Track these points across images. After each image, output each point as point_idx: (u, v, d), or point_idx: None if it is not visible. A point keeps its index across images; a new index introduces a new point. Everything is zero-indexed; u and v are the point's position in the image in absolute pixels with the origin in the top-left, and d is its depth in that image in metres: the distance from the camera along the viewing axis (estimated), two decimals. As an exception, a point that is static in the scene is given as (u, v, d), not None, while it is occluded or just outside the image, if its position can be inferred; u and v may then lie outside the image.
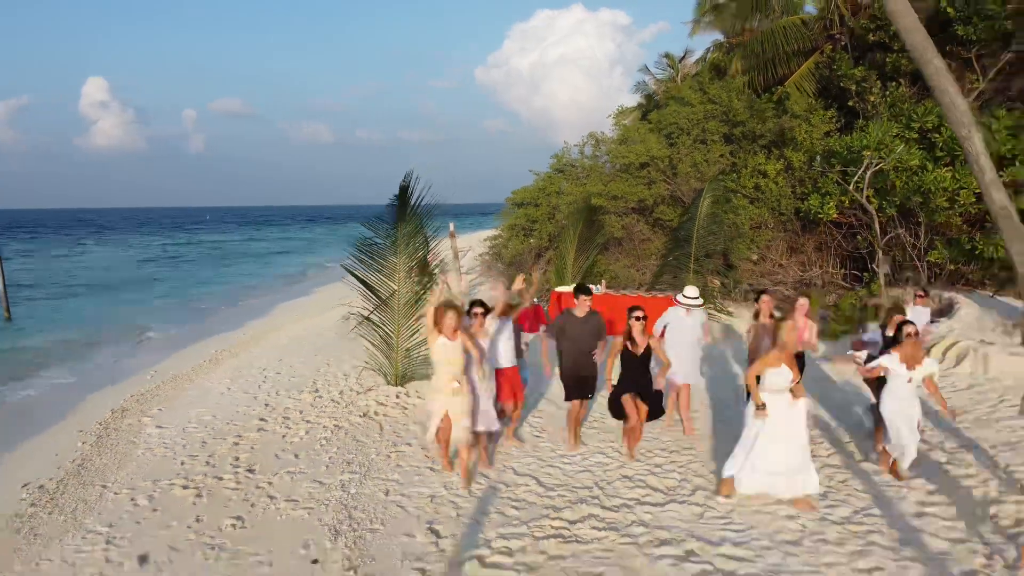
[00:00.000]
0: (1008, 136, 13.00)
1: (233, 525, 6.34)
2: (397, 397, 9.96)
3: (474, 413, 6.88)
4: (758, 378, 6.10)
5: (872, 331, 7.98)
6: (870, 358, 7.11)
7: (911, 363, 6.35)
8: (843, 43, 18.24)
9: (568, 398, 7.74)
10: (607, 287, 13.27)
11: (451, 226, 18.51)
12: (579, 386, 7.65)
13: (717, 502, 6.32)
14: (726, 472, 6.32)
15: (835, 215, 13.73)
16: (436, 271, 10.82)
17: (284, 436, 8.73)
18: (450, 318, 6.62)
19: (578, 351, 7.53)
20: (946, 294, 12.36)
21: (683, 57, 29.51)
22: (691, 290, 8.37)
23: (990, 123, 13.54)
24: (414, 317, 10.54)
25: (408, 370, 10.49)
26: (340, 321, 14.98)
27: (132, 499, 7.08)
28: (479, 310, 7.19)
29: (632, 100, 34.35)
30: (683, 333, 8.24)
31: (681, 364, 8.04)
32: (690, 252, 13.55)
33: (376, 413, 9.37)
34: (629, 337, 7.17)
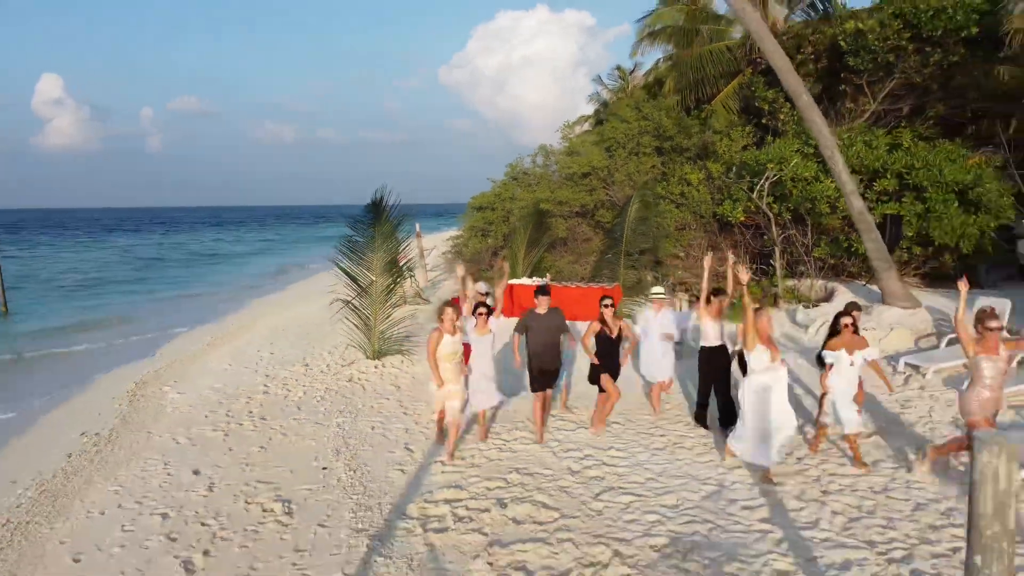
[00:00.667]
0: (884, 152, 15.63)
1: (258, 451, 8.52)
2: (375, 368, 12.18)
3: (471, 395, 8.03)
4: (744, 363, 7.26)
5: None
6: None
7: (850, 349, 7.34)
8: (762, 67, 20.88)
9: (533, 390, 8.49)
10: (552, 280, 15.68)
11: (416, 227, 20.71)
12: (543, 378, 8.46)
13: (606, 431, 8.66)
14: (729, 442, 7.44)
15: (743, 218, 16.26)
16: (406, 267, 13.09)
17: (285, 397, 10.89)
18: (450, 316, 7.71)
19: (543, 344, 8.37)
20: (829, 283, 14.97)
21: (633, 70, 32.18)
22: (658, 289, 9.58)
23: (871, 140, 16.23)
24: (388, 303, 12.81)
25: (383, 347, 12.70)
26: (318, 311, 17.20)
27: (174, 439, 9.21)
28: (483, 311, 8.19)
29: (590, 108, 37.12)
30: (654, 329, 9.25)
31: (656, 360, 9.13)
32: (622, 249, 15.99)
33: (359, 379, 11.58)
34: (603, 321, 8.26)
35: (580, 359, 9.94)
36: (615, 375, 8.38)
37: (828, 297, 14.72)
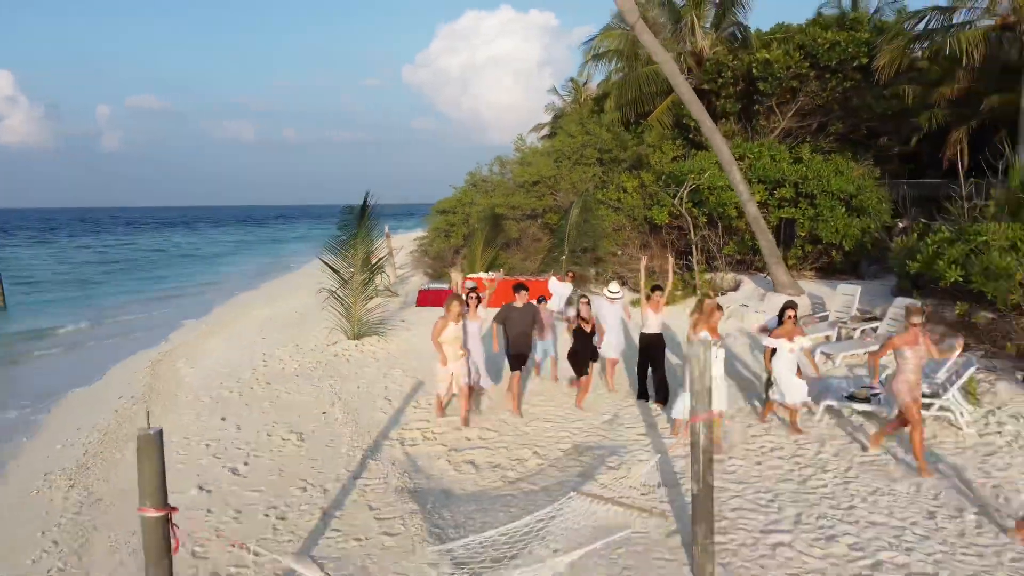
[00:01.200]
0: (786, 165, 18.49)
1: (268, 405, 10.94)
2: (356, 346, 14.64)
3: (469, 372, 9.59)
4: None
5: (771, 318, 11.00)
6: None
7: (790, 337, 8.71)
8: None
9: (512, 369, 10.01)
10: (505, 274, 18.28)
11: (386, 228, 23.13)
12: (518, 360, 10.00)
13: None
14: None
15: (668, 220, 19.03)
16: (381, 263, 15.54)
17: (283, 368, 13.29)
18: (456, 307, 9.17)
19: (519, 333, 9.98)
20: (737, 276, 17.82)
21: (586, 81, 35.02)
22: (614, 286, 11.20)
23: (775, 154, 19.11)
24: (365, 294, 15.29)
25: (362, 329, 15.16)
26: (300, 305, 19.63)
27: (198, 399, 11.58)
28: (474, 299, 10.09)
29: (547, 116, 40.26)
30: (609, 318, 10.89)
31: (610, 341, 10.82)
32: (565, 247, 18.65)
33: (342, 354, 14.03)
34: (580, 317, 10.10)
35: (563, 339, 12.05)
36: (594, 360, 10.38)
37: (736, 287, 17.55)
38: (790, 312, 8.90)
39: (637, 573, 5.61)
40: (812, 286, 16.52)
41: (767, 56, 20.23)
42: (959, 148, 18.43)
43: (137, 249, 61.81)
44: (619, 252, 20.30)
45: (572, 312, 11.56)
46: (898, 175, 21.88)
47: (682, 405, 8.34)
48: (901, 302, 12.43)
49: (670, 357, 11.23)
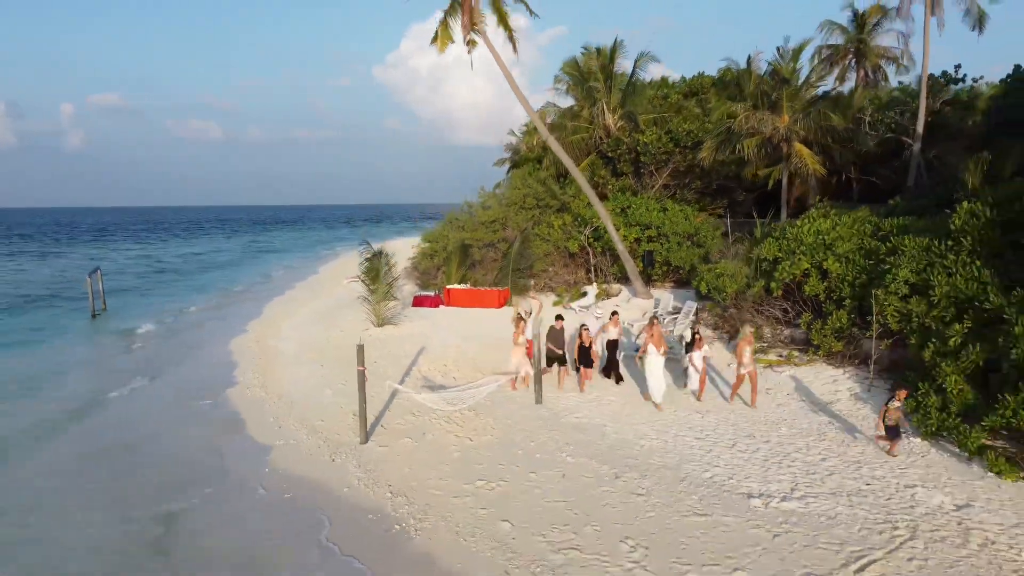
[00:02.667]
0: (654, 213, 28.37)
1: (340, 361, 20.49)
2: (380, 330, 24.21)
3: (524, 364, 16.51)
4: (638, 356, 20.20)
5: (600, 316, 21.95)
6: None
7: (699, 347, 15.16)
8: (603, 153, 33.68)
9: (547, 365, 16.88)
10: (473, 285, 28.03)
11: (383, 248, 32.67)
12: (551, 359, 16.87)
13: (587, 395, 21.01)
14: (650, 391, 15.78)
15: (577, 249, 28.86)
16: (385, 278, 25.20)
17: (339, 344, 22.81)
18: (522, 324, 16.48)
19: (554, 343, 16.82)
20: (618, 286, 27.72)
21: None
22: (600, 313, 20.84)
23: (649, 206, 29.02)
24: (384, 296, 24.93)
25: (384, 319, 24.75)
26: (333, 303, 29.17)
27: (297, 359, 21.11)
28: (522, 320, 16.80)
29: (507, 152, 50.07)
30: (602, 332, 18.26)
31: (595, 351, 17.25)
32: (511, 267, 28.39)
33: (374, 335, 23.60)
34: (581, 336, 16.62)
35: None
36: (591, 364, 16.93)
37: (618, 293, 27.42)
38: (699, 334, 15.68)
39: (505, 398, 15.39)
40: (662, 293, 26.50)
41: (645, 140, 30.24)
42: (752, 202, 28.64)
43: (163, 258, 70.45)
44: (550, 270, 30.10)
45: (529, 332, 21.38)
46: (750, 215, 31.97)
47: (651, 388, 15.37)
48: (691, 304, 22.45)
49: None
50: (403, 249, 43.07)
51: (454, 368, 19.14)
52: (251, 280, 47.21)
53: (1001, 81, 30.59)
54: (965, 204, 15.09)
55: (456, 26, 22.56)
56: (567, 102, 37.35)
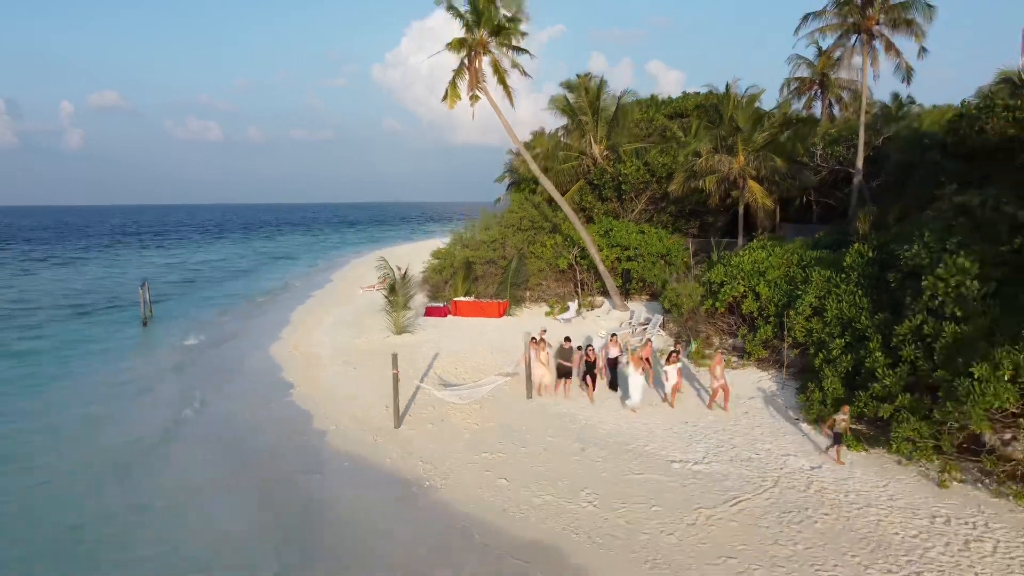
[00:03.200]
0: (633, 235, 32.94)
1: (367, 363, 25.08)
2: (399, 337, 28.79)
3: (546, 376, 20.82)
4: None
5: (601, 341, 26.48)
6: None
7: (673, 362, 19.35)
8: (590, 181, 38.25)
9: (557, 378, 20.70)
10: (476, 298, 32.67)
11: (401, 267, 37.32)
12: (560, 373, 20.61)
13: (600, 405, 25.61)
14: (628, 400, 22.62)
15: (566, 266, 33.46)
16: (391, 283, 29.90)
17: (366, 349, 27.40)
18: (541, 344, 20.59)
19: (564, 360, 20.66)
20: (600, 299, 32.32)
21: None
22: (603, 334, 26.51)
23: (628, 229, 33.62)
24: (402, 307, 29.55)
25: (402, 328, 29.36)
26: (352, 311, 33.81)
27: (332, 362, 25.72)
28: (542, 343, 20.57)
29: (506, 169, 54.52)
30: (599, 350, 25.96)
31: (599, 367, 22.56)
32: (509, 282, 33.00)
33: (394, 342, 28.19)
34: (587, 355, 20.41)
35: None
36: (595, 376, 20.81)
37: (600, 305, 32.01)
38: (674, 352, 20.59)
39: (503, 394, 20.02)
40: (637, 305, 31.08)
41: (625, 171, 34.86)
42: (723, 222, 33.26)
43: (187, 265, 75.07)
44: (543, 284, 34.71)
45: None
46: (722, 234, 36.54)
47: (631, 398, 19.67)
48: (657, 317, 27.07)
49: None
50: (409, 255, 47.89)
51: (462, 370, 23.72)
52: (271, 288, 51.63)
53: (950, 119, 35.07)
54: (856, 246, 19.73)
55: (463, 85, 27.11)
56: (560, 120, 42.07)
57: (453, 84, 27.23)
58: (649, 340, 22.50)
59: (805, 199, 38.65)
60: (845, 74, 42.84)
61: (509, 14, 26.99)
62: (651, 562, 11.66)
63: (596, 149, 37.72)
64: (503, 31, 26.85)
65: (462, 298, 32.96)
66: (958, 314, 14.84)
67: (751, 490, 13.89)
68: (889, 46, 29.71)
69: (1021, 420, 13.17)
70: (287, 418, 20.20)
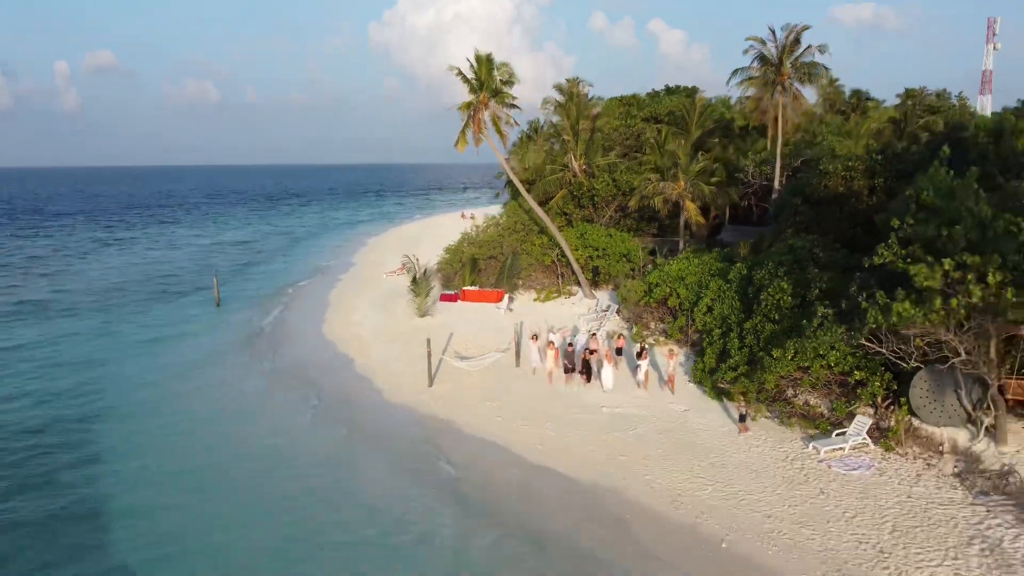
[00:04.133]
0: (601, 238, 42.36)
1: (402, 339, 34.72)
2: (422, 319, 38.42)
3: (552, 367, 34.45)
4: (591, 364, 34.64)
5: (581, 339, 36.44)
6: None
7: (643, 357, 33.66)
8: (572, 191, 47.51)
9: (565, 372, 28.82)
10: (480, 287, 42.36)
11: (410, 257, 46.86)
12: (567, 370, 28.61)
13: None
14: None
15: (550, 262, 42.92)
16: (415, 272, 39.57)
17: (395, 329, 37.02)
18: (550, 344, 30.46)
19: (568, 361, 28.40)
20: (576, 288, 41.93)
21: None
22: (613, 330, 36.44)
23: (598, 232, 43.07)
24: (424, 294, 39.18)
25: (424, 312, 38.98)
26: (379, 295, 43.59)
27: (374, 340, 35.41)
28: (536, 337, 32.79)
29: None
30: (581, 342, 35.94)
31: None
32: (506, 274, 42.56)
33: (418, 324, 37.78)
34: (586, 351, 31.54)
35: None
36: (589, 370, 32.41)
37: (576, 293, 41.56)
38: (644, 352, 32.44)
39: (500, 364, 29.79)
40: (603, 294, 40.62)
41: (597, 186, 44.20)
42: (677, 224, 42.75)
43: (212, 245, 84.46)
44: (531, 275, 44.19)
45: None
46: (675, 234, 45.90)
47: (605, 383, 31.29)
48: (614, 305, 36.69)
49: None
50: (420, 234, 57.59)
51: (471, 346, 33.36)
52: (307, 271, 61.06)
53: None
54: (738, 265, 29.27)
55: (470, 133, 36.36)
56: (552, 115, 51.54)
57: (463, 133, 36.52)
58: (594, 334, 32.01)
59: (750, 203, 48.05)
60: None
61: (504, 79, 36.09)
62: (580, 458, 21.46)
63: (575, 165, 46.91)
64: (499, 93, 35.99)
65: (469, 287, 42.54)
66: (776, 318, 24.49)
67: (641, 424, 23.67)
68: (796, 96, 38.97)
69: (798, 382, 22.86)
70: (356, 381, 29.96)
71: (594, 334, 31.25)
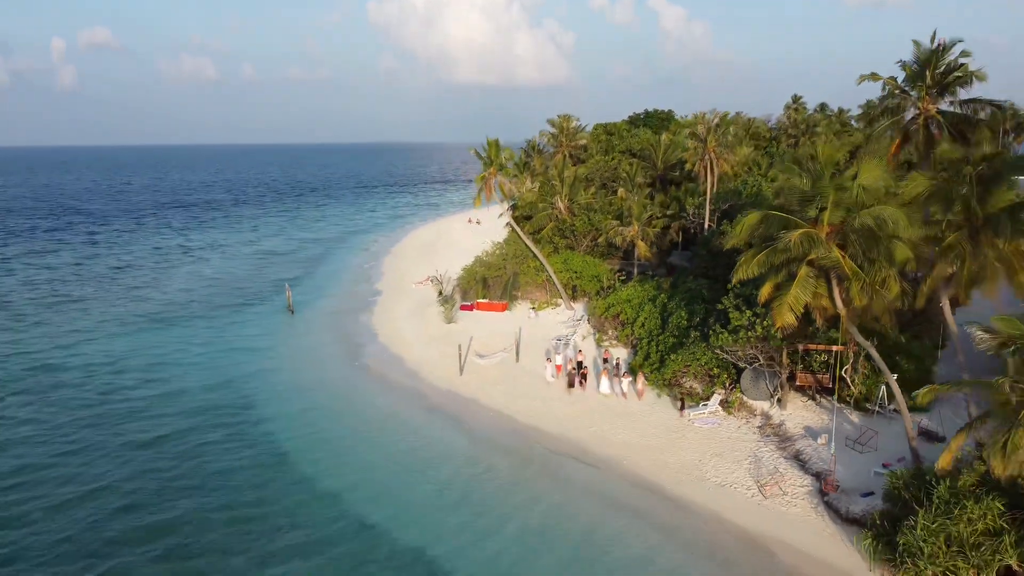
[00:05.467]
0: (580, 263, 57.38)
1: (438, 342, 49.79)
2: (448, 325, 53.46)
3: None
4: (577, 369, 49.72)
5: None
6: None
7: (617, 376, 49.09)
8: (559, 225, 62.31)
9: (569, 385, 46.10)
10: (487, 300, 57.64)
11: (438, 272, 61.76)
12: (571, 383, 46.53)
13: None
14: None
15: (542, 281, 57.85)
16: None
17: (430, 333, 52.07)
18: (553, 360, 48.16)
19: (572, 377, 45.35)
20: (559, 301, 57.06)
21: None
22: (572, 335, 51.42)
23: (578, 259, 58.09)
24: (451, 304, 54.28)
25: (451, 319, 54.04)
26: (414, 304, 58.93)
27: (416, 342, 50.54)
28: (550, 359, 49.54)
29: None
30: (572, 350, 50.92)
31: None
32: (509, 290, 57.60)
33: (447, 328, 52.78)
34: (579, 365, 48.13)
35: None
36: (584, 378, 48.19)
37: (559, 305, 56.61)
38: (621, 363, 47.59)
39: (510, 362, 45.00)
40: (579, 307, 55.65)
41: (577, 223, 59.10)
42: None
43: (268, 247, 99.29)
44: (529, 291, 59.15)
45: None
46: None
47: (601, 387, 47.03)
48: (584, 316, 51.77)
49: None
50: (438, 240, 72.54)
51: (484, 346, 48.32)
52: (347, 282, 75.54)
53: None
54: (661, 295, 44.43)
55: (484, 196, 51.27)
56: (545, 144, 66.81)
57: (479, 196, 51.48)
58: (580, 350, 46.75)
59: (694, 231, 63.01)
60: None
61: (507, 157, 51.04)
62: (557, 420, 36.61)
63: (561, 205, 61.80)
64: (503, 168, 50.92)
65: (481, 299, 57.55)
66: (676, 333, 39.65)
67: (589, 403, 38.86)
68: (721, 157, 53.90)
69: (684, 375, 37.96)
70: (410, 374, 45.09)
71: (580, 350, 46.17)
